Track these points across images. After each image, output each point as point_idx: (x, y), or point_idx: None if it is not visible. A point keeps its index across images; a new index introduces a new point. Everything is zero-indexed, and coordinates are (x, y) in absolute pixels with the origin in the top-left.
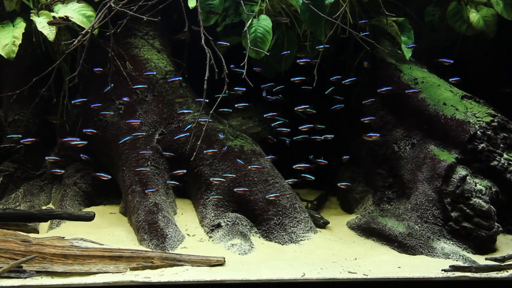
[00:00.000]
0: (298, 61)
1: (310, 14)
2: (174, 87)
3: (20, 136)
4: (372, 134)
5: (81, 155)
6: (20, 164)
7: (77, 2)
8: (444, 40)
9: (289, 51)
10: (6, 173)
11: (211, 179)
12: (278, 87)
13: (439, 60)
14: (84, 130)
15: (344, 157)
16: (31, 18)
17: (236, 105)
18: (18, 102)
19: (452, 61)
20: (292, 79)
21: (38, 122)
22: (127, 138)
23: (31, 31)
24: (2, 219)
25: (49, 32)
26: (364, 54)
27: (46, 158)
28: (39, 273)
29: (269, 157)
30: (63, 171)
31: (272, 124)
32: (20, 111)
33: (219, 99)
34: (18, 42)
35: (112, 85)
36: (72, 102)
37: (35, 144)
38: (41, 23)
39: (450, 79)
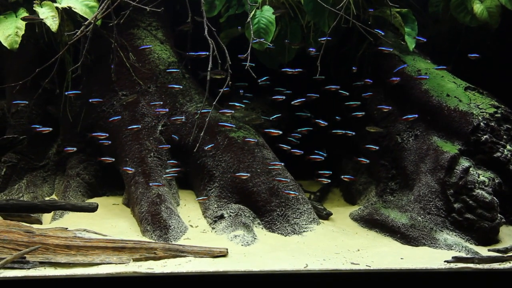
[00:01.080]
0: (309, 49)
1: (313, 5)
2: (177, 78)
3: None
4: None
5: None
6: (23, 155)
7: None
8: (448, 31)
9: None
10: (9, 164)
11: (237, 174)
12: (262, 80)
13: (469, 56)
14: (110, 119)
15: (361, 159)
16: (34, 8)
17: (231, 103)
18: (21, 93)
19: (478, 55)
20: (290, 70)
21: (41, 113)
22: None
23: (34, 22)
24: (5, 210)
25: (52, 23)
26: (368, 46)
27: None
28: (42, 264)
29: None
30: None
31: (271, 118)
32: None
33: (221, 91)
34: (21, 32)
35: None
36: (66, 93)
37: (38, 134)
38: (44, 13)
39: (435, 68)
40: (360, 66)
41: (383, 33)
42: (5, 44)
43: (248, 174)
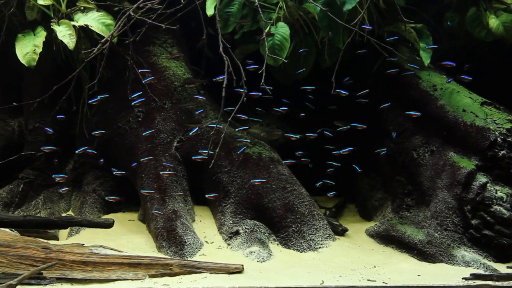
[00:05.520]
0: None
1: (328, 21)
2: (192, 95)
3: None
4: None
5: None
6: (40, 172)
7: (97, 11)
8: (463, 46)
9: (304, 69)
10: (26, 180)
11: None
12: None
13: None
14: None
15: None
16: (51, 27)
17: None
18: (39, 110)
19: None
20: (303, 87)
21: (58, 129)
22: None
23: (51, 40)
24: (22, 226)
25: (69, 41)
26: (383, 61)
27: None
28: (59, 280)
29: (287, 161)
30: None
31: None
32: (41, 119)
33: (237, 106)
34: (39, 50)
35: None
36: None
37: (55, 151)
38: (62, 32)
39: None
40: (375, 81)
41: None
42: (23, 62)
43: (264, 180)
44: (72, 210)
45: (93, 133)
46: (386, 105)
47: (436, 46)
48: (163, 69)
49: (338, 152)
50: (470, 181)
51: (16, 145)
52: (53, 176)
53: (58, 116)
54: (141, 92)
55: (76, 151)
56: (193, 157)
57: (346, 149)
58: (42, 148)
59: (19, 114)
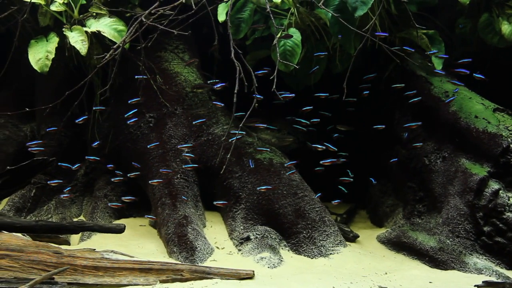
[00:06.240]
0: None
1: (339, 27)
2: (203, 100)
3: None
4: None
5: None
6: (52, 177)
7: (109, 17)
8: (475, 53)
9: (318, 67)
10: (38, 186)
11: None
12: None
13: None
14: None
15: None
16: (64, 33)
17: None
18: (51, 116)
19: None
20: (317, 95)
21: (70, 134)
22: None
23: (64, 46)
24: (34, 231)
25: (82, 47)
26: (394, 67)
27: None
28: (70, 284)
29: (290, 162)
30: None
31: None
32: (53, 124)
33: (248, 112)
34: (51, 56)
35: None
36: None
37: (67, 156)
38: (74, 37)
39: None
40: (386, 87)
41: (413, 50)
42: (35, 68)
43: (271, 187)
44: (84, 215)
45: (92, 144)
46: (416, 99)
47: (435, 52)
48: (174, 74)
49: (323, 161)
50: (482, 188)
51: (28, 150)
52: (49, 182)
53: (48, 129)
54: (136, 110)
55: (73, 167)
56: (184, 166)
57: (329, 160)
58: (27, 144)
59: (31, 119)
